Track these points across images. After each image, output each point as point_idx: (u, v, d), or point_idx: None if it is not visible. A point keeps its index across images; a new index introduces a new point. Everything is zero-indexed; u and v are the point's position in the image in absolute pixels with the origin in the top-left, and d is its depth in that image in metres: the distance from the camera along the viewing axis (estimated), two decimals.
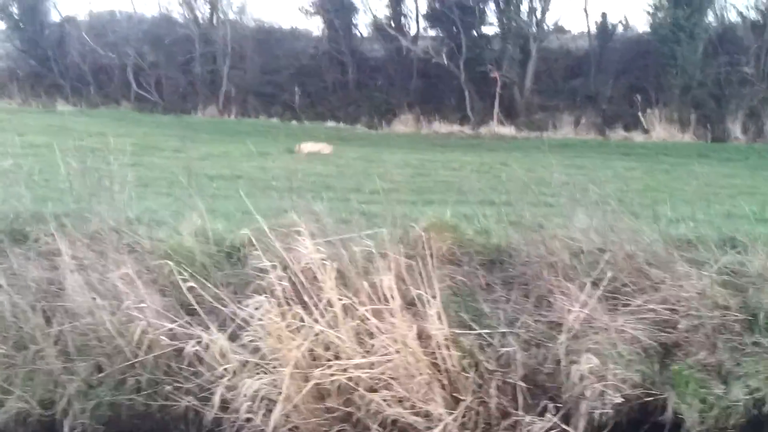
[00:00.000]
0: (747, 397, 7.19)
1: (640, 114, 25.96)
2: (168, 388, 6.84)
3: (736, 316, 7.67)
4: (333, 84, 31.73)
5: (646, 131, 25.55)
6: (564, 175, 10.41)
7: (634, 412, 7.17)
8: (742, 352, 7.43)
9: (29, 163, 11.71)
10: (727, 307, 7.72)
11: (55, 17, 37.42)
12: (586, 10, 33.64)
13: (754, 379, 7.26)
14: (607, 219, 8.66)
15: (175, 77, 33.03)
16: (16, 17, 35.95)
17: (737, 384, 7.19)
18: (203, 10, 35.43)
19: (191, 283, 6.91)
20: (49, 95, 33.20)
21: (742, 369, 7.29)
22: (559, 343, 7.15)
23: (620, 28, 31.74)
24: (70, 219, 8.55)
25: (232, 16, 35.50)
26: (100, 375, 7.08)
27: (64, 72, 34.26)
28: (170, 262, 7.45)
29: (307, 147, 19.18)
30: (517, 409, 6.81)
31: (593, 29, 30.92)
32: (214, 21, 34.94)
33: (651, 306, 7.72)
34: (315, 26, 38.69)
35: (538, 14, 29.93)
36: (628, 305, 7.77)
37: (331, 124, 29.12)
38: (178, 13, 36.14)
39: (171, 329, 6.93)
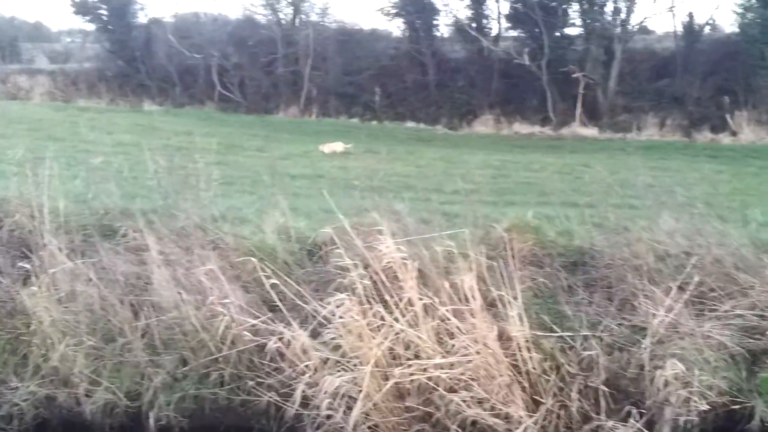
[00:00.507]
0: None
1: (727, 116, 25.32)
2: (250, 383, 6.94)
3: None
4: (413, 85, 31.73)
5: (733, 133, 24.92)
6: (649, 177, 10.23)
7: (719, 419, 6.99)
8: None
9: (118, 161, 12.03)
10: None
11: (142, 19, 38.44)
12: (672, 11, 32.94)
13: None
14: (694, 222, 8.49)
15: (258, 78, 33.47)
16: (104, 19, 36.97)
17: None
18: (286, 12, 35.95)
19: (274, 280, 7.01)
20: (136, 95, 34.00)
21: None
22: (643, 347, 7.02)
23: (707, 29, 31.08)
24: (158, 215, 8.75)
25: (314, 17, 35.94)
26: (185, 368, 7.22)
27: (151, 72, 35.05)
28: (254, 259, 7.56)
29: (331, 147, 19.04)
30: (599, 414, 6.71)
31: (679, 30, 30.32)
32: (297, 22, 35.36)
33: (739, 311, 7.52)
34: (396, 27, 38.78)
35: (623, 15, 29.47)
36: (715, 310, 7.59)
37: (411, 124, 29.13)
38: (261, 14, 36.76)
39: (254, 325, 7.04)
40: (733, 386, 6.99)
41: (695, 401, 6.64)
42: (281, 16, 35.70)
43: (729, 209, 9.84)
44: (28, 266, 7.82)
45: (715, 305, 7.66)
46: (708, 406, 6.71)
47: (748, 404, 6.92)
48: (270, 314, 7.22)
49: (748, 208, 9.93)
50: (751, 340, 7.36)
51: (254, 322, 7.04)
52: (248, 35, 34.08)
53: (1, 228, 8.64)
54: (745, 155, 21.12)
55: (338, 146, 17.82)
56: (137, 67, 35.33)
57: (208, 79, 34.14)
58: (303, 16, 35.60)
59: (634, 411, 6.61)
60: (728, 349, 7.20)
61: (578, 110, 27.38)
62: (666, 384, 6.66)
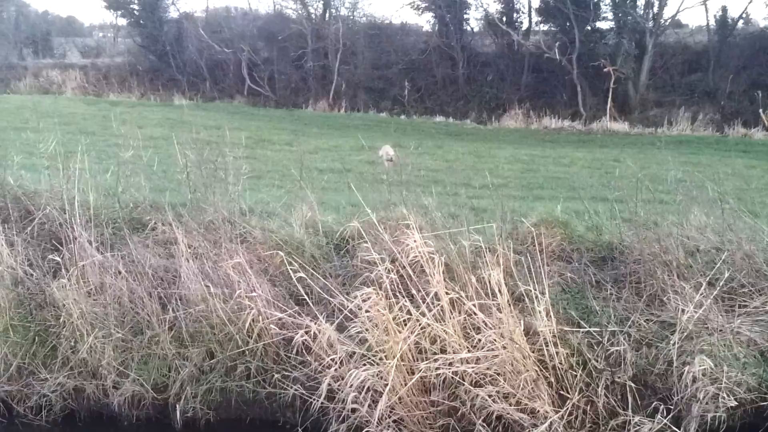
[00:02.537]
0: None
1: (760, 111, 25.02)
2: (276, 376, 6.98)
3: None
4: (443, 79, 31.66)
5: (766, 129, 24.63)
6: (680, 172, 10.14)
7: (748, 416, 6.92)
8: None
9: (148, 155, 12.11)
10: None
11: (173, 13, 38.70)
12: (705, 5, 32.63)
13: None
14: (725, 217, 8.40)
15: (287, 72, 33.58)
16: (136, 13, 37.30)
17: None
18: (316, 7, 36.05)
19: (301, 274, 7.03)
20: (166, 89, 34.25)
21: None
22: (671, 343, 6.96)
23: (741, 23, 30.71)
24: (187, 209, 8.80)
25: (344, 12, 36.02)
26: (212, 361, 7.29)
27: (182, 67, 35.27)
28: (281, 253, 7.59)
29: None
30: (625, 409, 6.67)
31: (713, 24, 30.02)
32: (326, 17, 35.43)
33: None
34: (425, 22, 38.74)
35: (655, 8, 29.25)
36: (745, 306, 7.53)
37: (440, 119, 29.06)
38: (291, 9, 36.88)
39: (280, 318, 7.07)
40: (762, 383, 6.92)
41: (723, 397, 6.58)
42: (311, 10, 35.83)
43: (761, 204, 9.74)
44: (58, 259, 7.90)
45: (745, 301, 7.59)
46: (736, 403, 6.65)
47: None
48: (297, 308, 7.27)
49: None
50: None
51: (281, 315, 7.07)
52: (278, 30, 34.17)
53: (32, 221, 8.71)
54: None
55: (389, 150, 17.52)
56: (168, 62, 35.56)
57: (237, 74, 34.29)
58: (333, 11, 35.70)
59: (662, 407, 6.58)
60: (758, 346, 7.14)
61: (609, 105, 27.18)
62: (694, 380, 6.61)
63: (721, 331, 7.13)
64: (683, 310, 7.16)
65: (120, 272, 7.77)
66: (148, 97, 33.30)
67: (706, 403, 6.58)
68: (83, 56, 43.56)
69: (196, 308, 7.39)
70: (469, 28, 34.19)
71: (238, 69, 34.23)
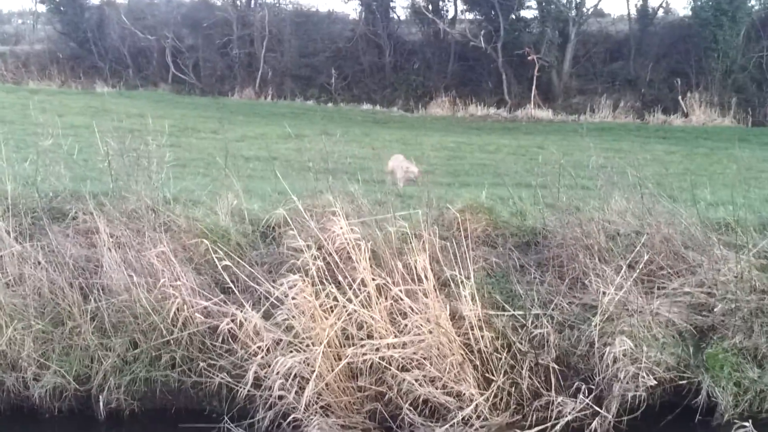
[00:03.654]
0: None
1: (679, 98, 25.63)
2: (202, 364, 6.92)
3: None
4: (369, 67, 31.65)
5: (685, 115, 25.23)
6: (601, 159, 10.33)
7: (667, 394, 7.14)
8: None
9: (69, 143, 11.84)
10: (764, 290, 7.65)
11: (94, 0, 37.80)
12: None
13: None
14: (645, 202, 8.60)
15: (212, 60, 33.16)
16: (56, 0, 36.32)
17: None
18: None
19: (226, 262, 6.98)
20: (88, 77, 33.49)
21: None
22: (593, 325, 7.12)
23: (661, 12, 31.37)
24: (109, 198, 8.65)
25: None
26: (136, 351, 7.18)
27: (104, 54, 34.51)
28: (206, 241, 7.52)
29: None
30: (549, 390, 6.82)
31: (633, 13, 30.58)
32: (252, 4, 35.03)
33: (687, 289, 7.67)
34: (352, 9, 38.68)
35: None
36: (663, 288, 7.73)
37: (367, 106, 29.06)
38: None
39: (206, 307, 7.01)
40: (681, 362, 7.14)
41: (643, 377, 6.77)
42: None
43: (679, 189, 9.97)
44: None
45: (663, 283, 7.80)
46: (655, 382, 6.85)
47: (695, 379, 7.08)
48: (222, 296, 7.20)
49: (698, 188, 10.06)
50: (698, 317, 7.52)
51: (206, 304, 7.01)
52: (203, 17, 33.69)
53: None
54: (696, 136, 21.41)
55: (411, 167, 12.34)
56: (89, 49, 34.75)
57: (161, 61, 33.74)
58: None
59: (584, 387, 6.73)
60: (676, 326, 7.35)
61: (533, 92, 27.52)
62: (615, 360, 6.79)
63: (640, 312, 7.31)
64: (604, 293, 7.32)
65: (39, 263, 7.60)
66: (69, 84, 32.50)
67: (627, 383, 6.77)
68: (1, 43, 42.24)
69: (119, 298, 7.28)
70: (395, 16, 34.23)
71: (162, 56, 33.68)
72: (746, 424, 4.14)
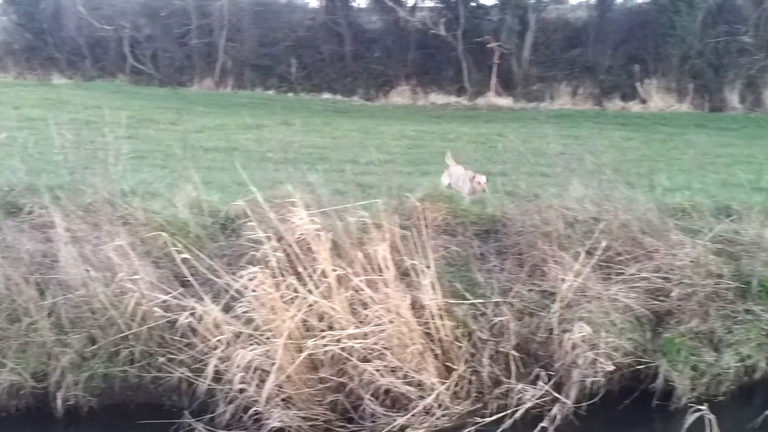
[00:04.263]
0: (738, 364, 7.28)
1: (637, 84, 25.80)
2: (161, 359, 6.87)
3: (729, 284, 7.72)
4: (330, 56, 31.44)
5: (643, 101, 25.38)
6: (560, 146, 10.42)
7: (625, 379, 7.25)
8: (734, 319, 7.50)
9: (24, 136, 11.68)
10: (720, 275, 7.76)
11: None
12: None
13: (746, 347, 7.34)
14: (603, 188, 8.68)
15: (171, 50, 32.74)
16: None
17: (728, 351, 7.27)
18: None
19: (185, 255, 6.92)
20: (44, 68, 32.90)
21: (733, 336, 7.36)
22: (552, 312, 7.19)
23: None
24: (65, 191, 8.51)
25: None
26: (94, 347, 7.09)
27: (60, 45, 33.91)
28: (164, 234, 7.45)
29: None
30: (509, 378, 6.87)
31: (592, 0, 30.71)
32: None
33: (644, 275, 7.76)
34: None
35: None
36: (621, 274, 7.81)
37: (327, 96, 28.89)
38: None
39: (165, 301, 6.95)
40: (638, 347, 7.24)
41: (602, 362, 6.85)
42: None
43: (636, 175, 10.05)
44: None
45: (621, 269, 7.88)
46: (614, 367, 6.94)
47: (653, 364, 7.19)
48: (182, 289, 7.15)
49: (655, 174, 10.17)
50: (655, 302, 7.62)
51: (165, 297, 6.95)
52: (161, 6, 33.23)
53: None
54: (654, 122, 21.56)
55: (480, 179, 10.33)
56: (45, 40, 34.14)
57: (119, 52, 33.25)
58: None
59: (543, 374, 6.81)
60: (634, 311, 7.44)
61: (493, 80, 27.55)
62: (574, 347, 6.86)
63: (599, 298, 7.39)
64: (563, 279, 7.38)
65: None
66: (25, 76, 31.93)
67: (586, 369, 6.85)
68: None
69: (76, 293, 7.18)
70: (355, 5, 33.99)
71: (119, 47, 33.20)
72: (702, 407, 4.19)
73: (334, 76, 30.48)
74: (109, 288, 7.09)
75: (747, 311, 7.58)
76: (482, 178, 9.74)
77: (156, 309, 6.93)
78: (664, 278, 7.74)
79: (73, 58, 33.46)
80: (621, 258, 7.99)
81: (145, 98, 25.20)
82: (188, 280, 7.03)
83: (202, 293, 6.86)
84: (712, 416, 4.24)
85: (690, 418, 4.24)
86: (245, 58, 31.54)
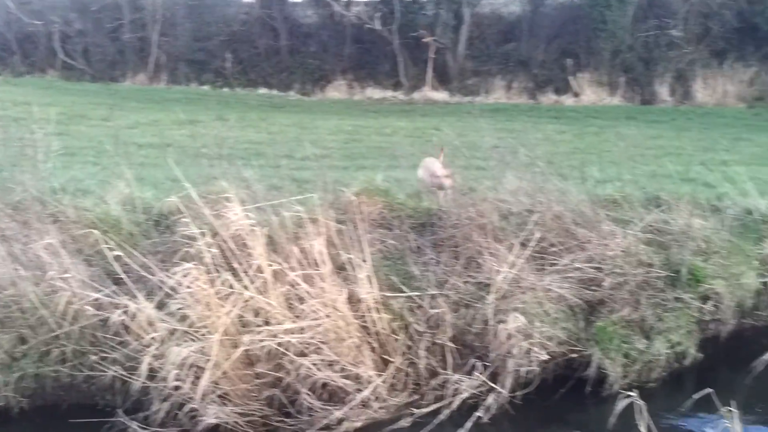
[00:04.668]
0: (668, 351, 7.44)
1: (570, 78, 26.16)
2: (94, 358, 6.75)
3: (659, 272, 7.89)
4: (265, 50, 31.20)
5: (576, 95, 25.72)
6: (495, 139, 10.51)
7: (559, 368, 7.38)
8: (665, 307, 7.66)
9: None
10: (650, 264, 7.93)
11: None
12: None
13: (676, 334, 7.51)
14: (537, 181, 8.79)
15: (102, 45, 32.18)
16: None
17: (659, 339, 7.42)
18: None
19: (117, 252, 6.82)
20: None
21: (664, 324, 7.53)
22: (487, 303, 7.26)
23: None
24: None
25: None
26: (24, 347, 6.95)
27: None
28: (96, 231, 7.33)
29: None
30: (446, 369, 6.93)
31: None
32: None
33: (577, 265, 7.89)
34: None
35: None
36: (555, 265, 7.93)
37: (263, 91, 28.66)
38: None
39: (97, 299, 6.83)
40: (572, 336, 7.36)
41: (536, 352, 6.95)
42: None
43: (569, 167, 10.23)
44: None
45: (555, 260, 8.00)
46: (548, 356, 7.05)
47: (586, 352, 7.31)
48: (114, 287, 7.04)
49: (587, 166, 10.34)
50: (588, 292, 7.75)
51: (97, 296, 6.83)
52: (91, 0, 32.71)
53: None
54: (587, 116, 21.89)
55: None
56: None
57: (49, 47, 32.58)
58: None
59: (479, 364, 6.88)
60: (567, 301, 7.56)
61: (429, 75, 27.64)
62: (508, 337, 6.94)
63: (533, 289, 7.49)
64: (498, 271, 7.46)
65: None
66: None
67: (520, 359, 6.93)
68: None
69: (5, 293, 7.02)
70: None
71: (49, 42, 32.53)
72: (632, 393, 4.29)
73: (270, 70, 30.27)
74: (39, 287, 6.96)
75: (677, 299, 7.75)
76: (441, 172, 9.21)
77: (88, 307, 6.81)
78: (597, 268, 7.88)
79: (2, 54, 32.73)
80: (554, 249, 8.11)
81: (77, 94, 24.75)
82: (121, 278, 6.92)
83: (136, 291, 6.76)
84: (641, 402, 4.32)
85: (620, 405, 4.32)
86: (179, 52, 31.15)
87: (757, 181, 10.15)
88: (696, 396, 4.61)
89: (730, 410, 4.23)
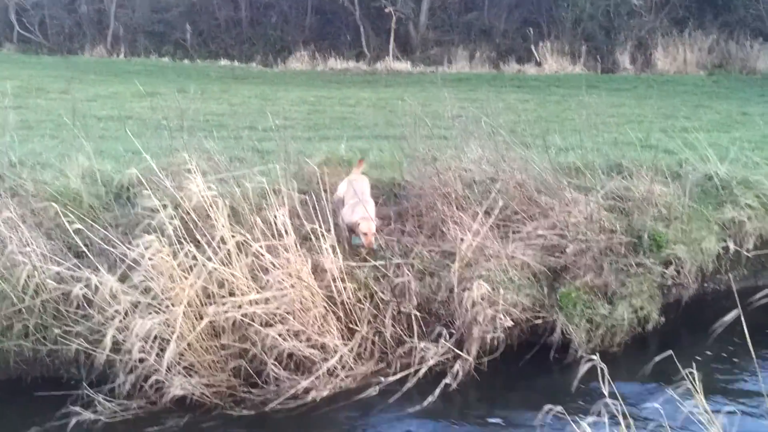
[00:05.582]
0: (631, 315, 7.53)
1: (532, 47, 26.23)
2: (57, 331, 6.68)
3: (622, 238, 7.95)
4: (226, 21, 30.93)
5: (538, 64, 25.83)
6: (458, 109, 10.51)
7: (524, 334, 7.45)
8: (627, 273, 7.74)
9: None
10: (612, 230, 7.99)
11: None
12: None
13: (638, 299, 7.60)
14: (499, 150, 8.80)
15: (59, 17, 31.73)
16: None
17: (622, 303, 7.51)
18: None
19: (78, 225, 6.73)
20: None
21: (626, 289, 7.61)
22: (452, 271, 7.28)
23: None
24: None
25: None
26: None
27: None
28: (55, 205, 7.24)
29: None
30: (411, 337, 6.96)
31: None
32: None
33: (540, 232, 7.94)
34: None
35: None
36: (518, 232, 7.98)
37: (224, 62, 28.43)
38: None
39: (58, 272, 6.75)
40: (536, 302, 7.43)
41: (501, 319, 6.99)
42: None
43: (531, 136, 10.24)
44: None
45: (518, 227, 8.05)
46: (513, 323, 7.10)
47: (550, 318, 7.38)
48: (76, 260, 6.96)
49: (549, 135, 10.37)
50: (552, 258, 7.81)
51: (58, 269, 6.75)
52: None
53: None
54: (549, 84, 21.99)
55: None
56: None
57: (5, 20, 32.06)
58: None
59: (445, 332, 6.92)
60: (531, 268, 7.62)
61: (391, 45, 27.61)
62: (473, 304, 6.97)
63: (497, 256, 7.53)
64: (462, 239, 7.49)
65: None
66: None
67: (485, 326, 6.97)
68: None
69: None
70: None
71: (5, 14, 31.99)
72: (593, 357, 4.34)
73: (231, 42, 30.04)
74: None
75: (639, 264, 7.83)
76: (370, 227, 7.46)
77: (49, 281, 6.74)
78: (560, 235, 7.93)
79: None
80: (518, 217, 8.16)
81: (34, 67, 24.36)
82: (83, 251, 6.85)
83: (98, 263, 6.69)
84: (603, 365, 4.37)
85: (583, 368, 4.36)
86: (137, 24, 30.78)
87: (717, 147, 10.26)
88: (657, 359, 4.64)
89: (691, 372, 4.28)
